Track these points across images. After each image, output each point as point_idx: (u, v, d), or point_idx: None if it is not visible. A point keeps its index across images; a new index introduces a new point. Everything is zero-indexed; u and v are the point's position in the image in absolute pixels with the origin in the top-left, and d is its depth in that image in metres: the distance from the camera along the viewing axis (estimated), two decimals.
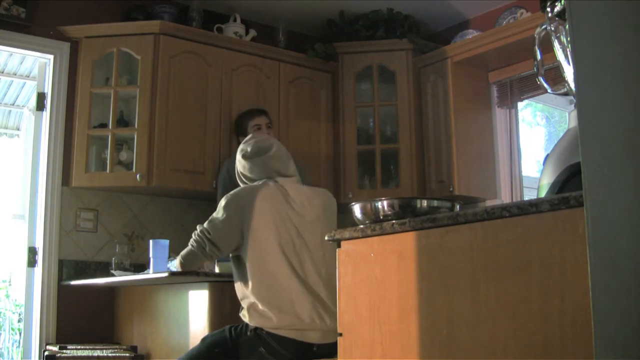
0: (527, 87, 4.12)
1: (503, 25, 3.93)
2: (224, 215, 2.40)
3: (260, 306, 2.29)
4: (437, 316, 1.33)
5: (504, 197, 4.14)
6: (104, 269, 3.67)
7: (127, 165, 3.70)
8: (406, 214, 1.49)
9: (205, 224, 2.44)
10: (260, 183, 2.50)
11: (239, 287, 2.41)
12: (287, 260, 2.35)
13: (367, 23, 4.34)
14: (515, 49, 3.85)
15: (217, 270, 2.95)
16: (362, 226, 1.54)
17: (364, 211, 1.57)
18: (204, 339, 2.42)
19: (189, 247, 2.48)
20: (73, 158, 3.66)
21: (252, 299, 2.32)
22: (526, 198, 4.14)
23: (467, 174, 4.03)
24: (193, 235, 2.47)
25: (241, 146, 2.62)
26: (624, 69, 0.89)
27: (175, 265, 2.63)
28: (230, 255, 2.48)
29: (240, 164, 2.59)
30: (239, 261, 2.42)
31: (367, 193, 4.15)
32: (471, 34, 4.17)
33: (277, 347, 2.26)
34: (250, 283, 2.34)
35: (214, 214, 2.45)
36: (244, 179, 2.59)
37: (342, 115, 4.28)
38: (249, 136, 2.71)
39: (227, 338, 2.34)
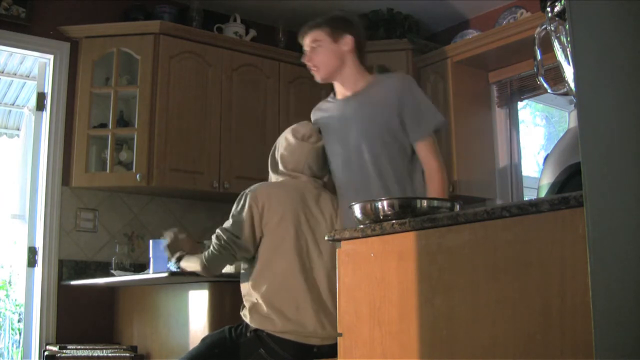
0: (527, 87, 4.12)
1: (503, 25, 3.93)
2: (245, 214, 2.32)
3: (264, 307, 2.26)
4: (437, 316, 1.33)
5: (504, 197, 4.14)
6: (104, 269, 3.67)
7: (127, 165, 3.70)
8: (406, 214, 1.49)
9: (229, 227, 2.34)
10: (282, 180, 2.45)
11: (244, 283, 2.37)
12: (299, 263, 2.30)
13: (367, 23, 4.34)
14: (515, 49, 3.84)
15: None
16: (362, 226, 1.54)
17: (364, 211, 1.57)
18: (204, 339, 2.41)
19: (215, 251, 2.36)
20: (73, 158, 3.66)
21: (256, 299, 2.28)
22: (526, 198, 4.13)
23: (467, 174, 4.03)
24: (216, 239, 2.36)
25: (295, 125, 2.58)
26: (624, 68, 0.89)
27: (190, 266, 2.49)
28: None
29: (285, 142, 2.49)
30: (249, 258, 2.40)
31: None
32: (471, 34, 4.17)
33: (277, 348, 2.24)
34: (257, 281, 2.29)
35: (236, 215, 2.35)
36: (278, 160, 2.49)
37: None
38: (305, 122, 2.66)
39: (227, 338, 2.32)
